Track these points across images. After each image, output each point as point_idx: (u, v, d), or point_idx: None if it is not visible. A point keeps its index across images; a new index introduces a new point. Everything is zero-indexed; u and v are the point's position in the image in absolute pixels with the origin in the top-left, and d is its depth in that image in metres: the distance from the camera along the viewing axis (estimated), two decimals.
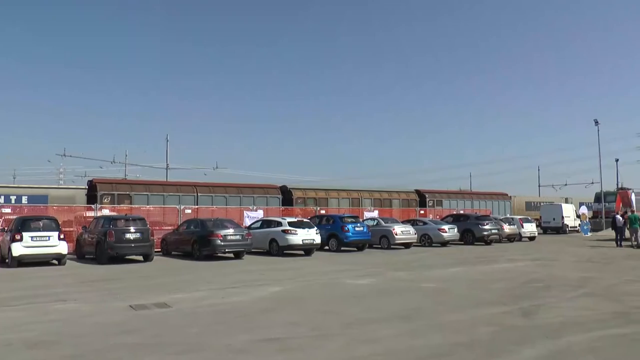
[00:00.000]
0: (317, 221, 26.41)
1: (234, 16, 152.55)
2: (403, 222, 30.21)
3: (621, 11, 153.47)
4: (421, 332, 8.07)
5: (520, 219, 36.59)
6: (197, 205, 30.38)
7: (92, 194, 28.83)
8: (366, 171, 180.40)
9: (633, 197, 39.50)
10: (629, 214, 31.13)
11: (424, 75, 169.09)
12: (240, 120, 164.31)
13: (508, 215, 40.90)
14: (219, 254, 21.62)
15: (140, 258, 20.57)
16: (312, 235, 23.25)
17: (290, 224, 23.40)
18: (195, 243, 21.46)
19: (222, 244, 20.98)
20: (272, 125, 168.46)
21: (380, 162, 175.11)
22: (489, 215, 35.84)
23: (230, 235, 21.37)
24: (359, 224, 26.14)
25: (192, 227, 22.50)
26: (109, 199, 28.74)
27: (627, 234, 30.03)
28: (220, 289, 12.95)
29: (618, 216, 31.29)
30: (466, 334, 7.91)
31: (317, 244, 23.54)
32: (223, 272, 16.88)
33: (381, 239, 27.33)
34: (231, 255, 21.95)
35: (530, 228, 36.01)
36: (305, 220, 25.10)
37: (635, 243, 28.36)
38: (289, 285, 13.57)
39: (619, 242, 29.55)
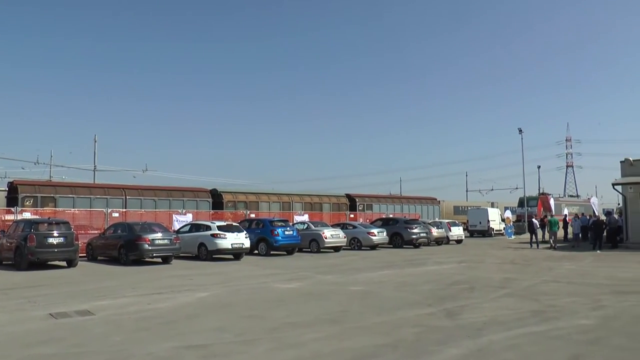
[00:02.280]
0: (247, 225, 26.26)
1: (161, 15, 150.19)
2: (333, 226, 30.40)
3: (545, 20, 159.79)
4: (347, 335, 8.13)
5: (448, 222, 37.59)
6: (125, 208, 29.70)
7: (13, 197, 27.77)
8: (297, 175, 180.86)
9: (552, 202, 41.22)
10: (549, 218, 32.61)
11: (353, 81, 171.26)
12: (171, 122, 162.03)
13: (436, 219, 41.93)
14: (147, 259, 21.17)
15: (64, 264, 19.91)
16: (241, 239, 23.11)
17: (219, 227, 23.21)
18: (122, 247, 20.91)
19: (150, 248, 20.56)
20: (203, 127, 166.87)
21: (311, 166, 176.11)
22: (417, 219, 36.68)
23: (159, 239, 20.97)
24: (288, 228, 26.14)
25: (119, 231, 21.93)
26: (31, 201, 27.71)
27: (546, 236, 31.50)
28: (147, 294, 12.66)
29: (534, 220, 32.96)
30: (391, 336, 8.03)
31: (246, 248, 23.41)
32: (150, 277, 16.52)
33: (311, 243, 27.45)
34: (159, 260, 21.52)
35: (457, 231, 37.06)
36: (234, 224, 24.96)
37: (554, 245, 29.86)
38: (216, 290, 13.42)
39: (534, 244, 31.16)
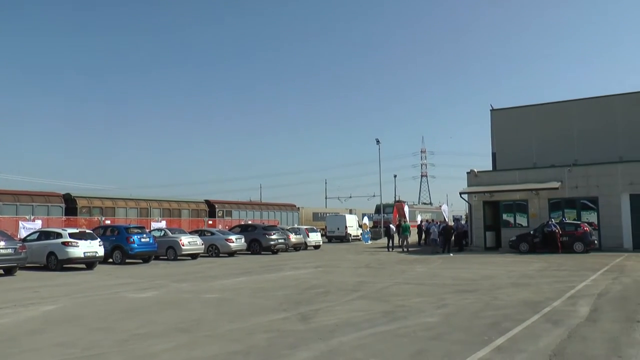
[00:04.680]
0: (101, 232, 25.28)
1: (21, 10, 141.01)
2: (191, 233, 30.06)
3: (399, 32, 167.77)
4: (199, 344, 8.05)
5: (306, 228, 38.34)
6: None
7: None
8: (156, 180, 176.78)
9: (406, 209, 43.38)
10: (402, 223, 34.41)
11: (211, 85, 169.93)
12: (22, 120, 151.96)
13: (295, 225, 42.62)
14: None
15: None
16: (94, 247, 22.08)
17: (71, 235, 22.01)
18: None
19: None
20: (58, 129, 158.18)
21: (171, 172, 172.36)
22: (276, 226, 37.07)
23: (1, 248, 19.55)
24: (145, 235, 25.42)
25: None
26: None
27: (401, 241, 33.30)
28: None
29: (391, 225, 34.76)
30: (244, 342, 8.06)
31: (99, 257, 22.39)
32: None
33: (168, 250, 26.89)
34: (1, 271, 20.06)
35: (315, 237, 37.85)
36: (87, 231, 23.86)
37: (406, 249, 31.71)
38: (65, 303, 12.72)
39: (390, 249, 32.99)
